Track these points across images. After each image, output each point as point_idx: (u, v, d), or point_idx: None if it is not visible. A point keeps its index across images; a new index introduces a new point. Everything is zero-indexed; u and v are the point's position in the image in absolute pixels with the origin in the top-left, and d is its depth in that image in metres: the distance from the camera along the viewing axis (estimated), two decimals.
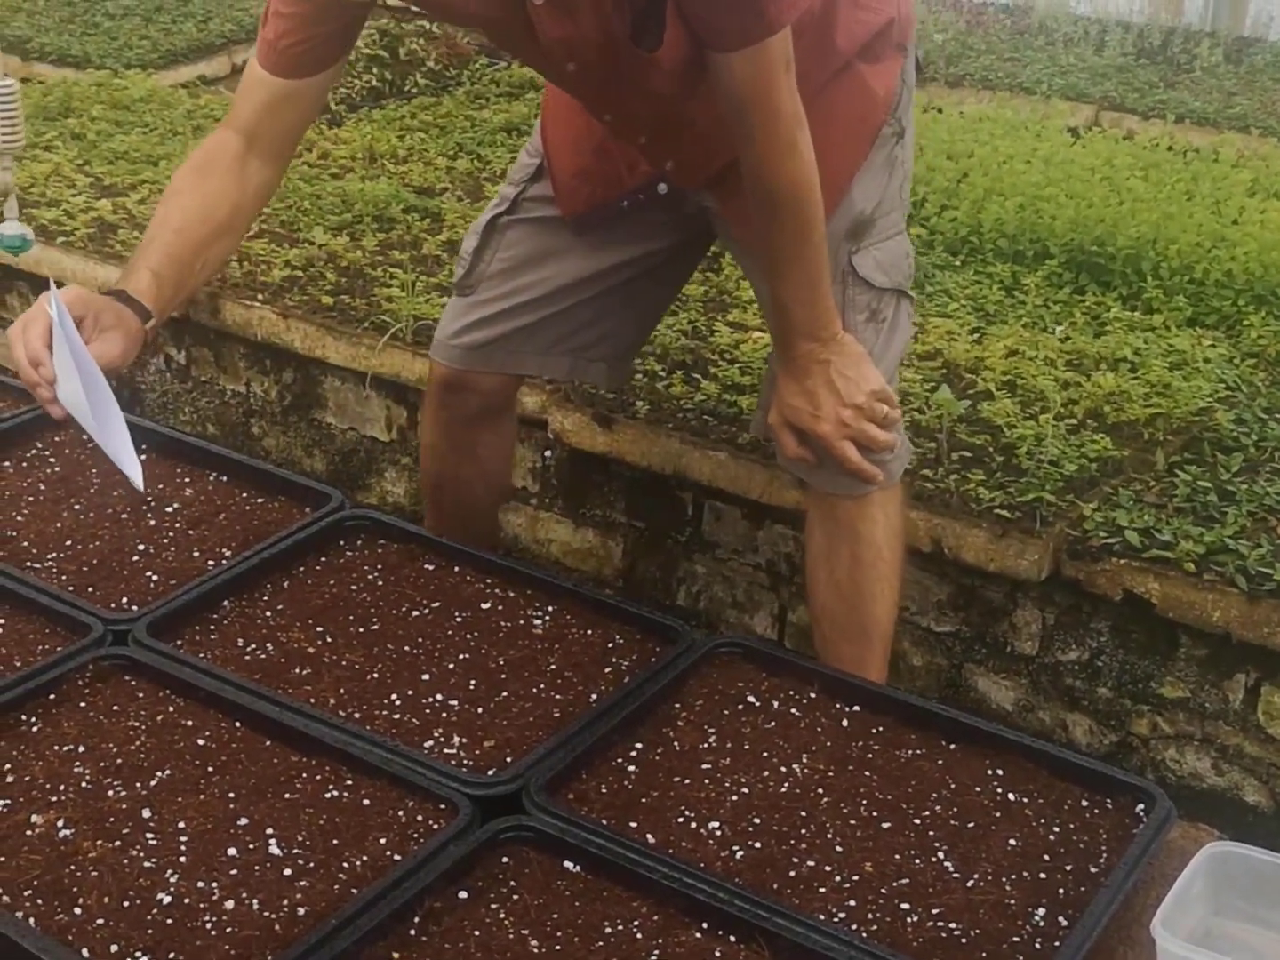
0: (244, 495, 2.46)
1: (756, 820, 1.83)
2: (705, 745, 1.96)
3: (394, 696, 2.01)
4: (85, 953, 1.58)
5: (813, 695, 2.07)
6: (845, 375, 2.12)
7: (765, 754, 1.95)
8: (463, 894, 1.69)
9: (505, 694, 2.03)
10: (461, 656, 2.10)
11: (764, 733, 1.99)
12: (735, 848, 1.78)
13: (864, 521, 2.24)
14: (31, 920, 1.61)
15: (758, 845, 1.79)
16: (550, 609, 2.22)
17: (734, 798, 1.87)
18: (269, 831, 1.76)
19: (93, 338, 1.95)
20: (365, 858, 1.73)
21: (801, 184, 2.03)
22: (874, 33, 2.20)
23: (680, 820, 1.82)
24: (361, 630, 2.15)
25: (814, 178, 2.04)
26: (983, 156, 3.93)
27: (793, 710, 2.04)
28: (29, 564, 2.24)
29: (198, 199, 2.04)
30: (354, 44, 2.09)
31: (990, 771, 1.94)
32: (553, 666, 2.09)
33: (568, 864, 1.74)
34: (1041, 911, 1.72)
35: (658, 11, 1.91)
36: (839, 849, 1.79)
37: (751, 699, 2.05)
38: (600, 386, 2.70)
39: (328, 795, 1.82)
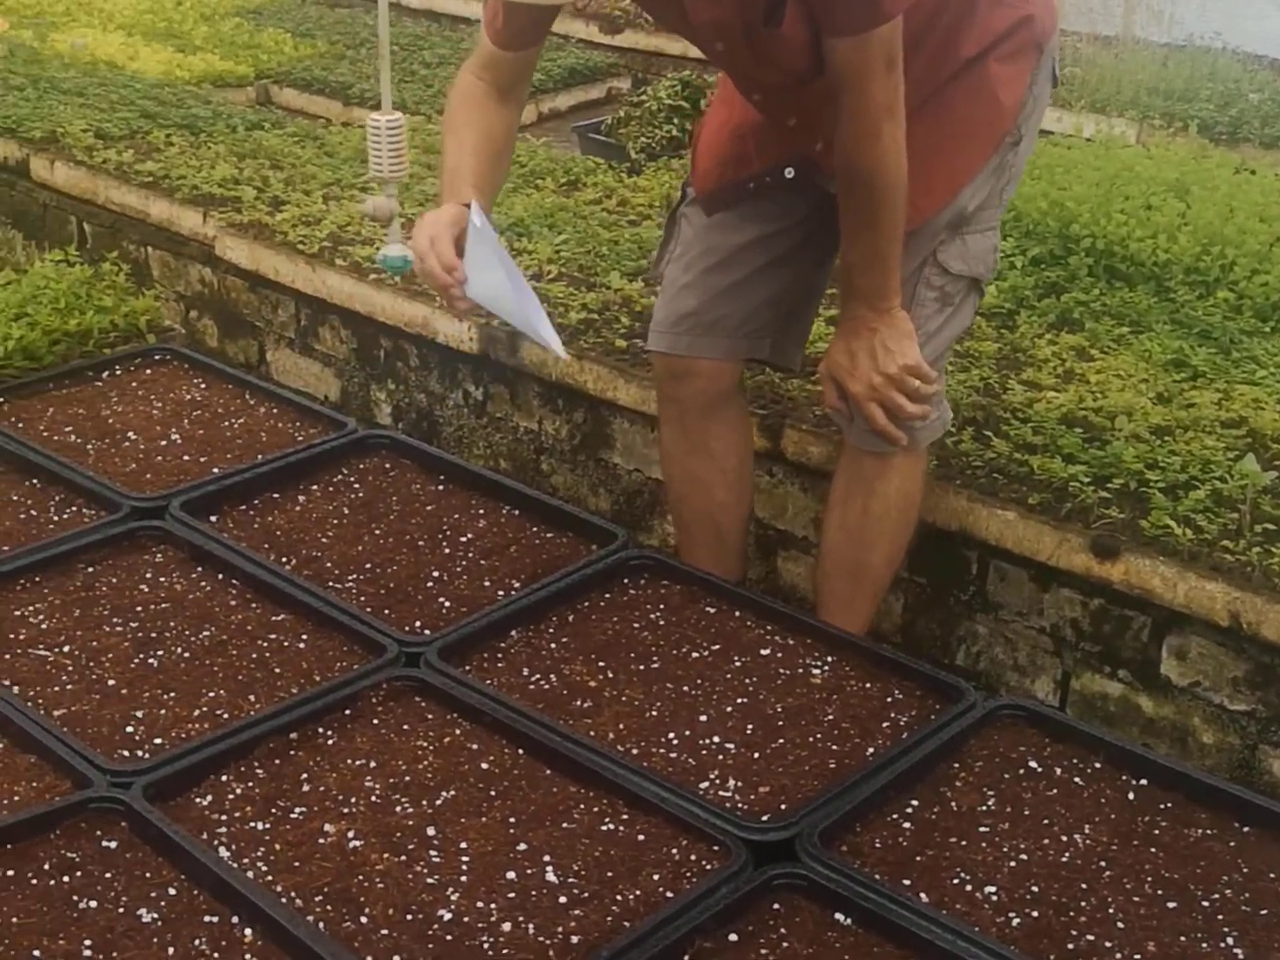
0: (534, 529, 2.53)
1: (1035, 888, 1.79)
2: (984, 808, 1.92)
3: (672, 735, 2.04)
4: None
5: (1097, 765, 2.02)
6: (887, 346, 2.29)
7: (1046, 821, 1.91)
8: (733, 936, 1.69)
9: (782, 741, 2.03)
10: (739, 700, 2.11)
11: (1045, 799, 1.95)
12: (1012, 914, 1.75)
13: (881, 479, 2.47)
14: (321, 925, 1.68)
15: (1035, 914, 1.75)
16: (829, 659, 2.22)
17: (1012, 863, 1.83)
18: (546, 858, 1.80)
19: None
20: (639, 892, 1.75)
21: (879, 170, 2.18)
22: (1011, 25, 2.34)
23: (955, 882, 1.79)
24: (642, 668, 2.18)
25: (895, 166, 2.18)
26: None
27: (1076, 779, 1.99)
28: (331, 584, 2.35)
29: (478, 131, 2.33)
30: (549, 28, 2.39)
31: None
32: (830, 717, 2.09)
33: (839, 916, 1.73)
34: None
35: None
36: (1120, 925, 1.74)
37: (1033, 764, 2.01)
38: (773, 362, 2.77)
39: (604, 828, 1.85)
